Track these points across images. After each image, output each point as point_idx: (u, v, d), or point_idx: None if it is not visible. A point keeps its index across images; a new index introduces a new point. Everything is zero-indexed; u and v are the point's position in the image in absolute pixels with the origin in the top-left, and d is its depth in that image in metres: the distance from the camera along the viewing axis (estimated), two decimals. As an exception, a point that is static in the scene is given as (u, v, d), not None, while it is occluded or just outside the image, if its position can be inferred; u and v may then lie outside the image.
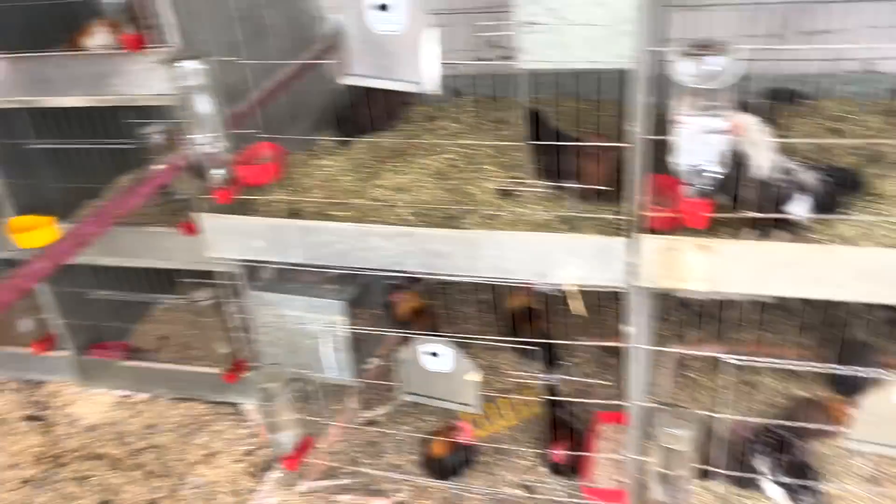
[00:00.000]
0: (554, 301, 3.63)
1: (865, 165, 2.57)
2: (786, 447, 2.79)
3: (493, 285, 3.26)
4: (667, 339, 3.59)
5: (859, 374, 2.32)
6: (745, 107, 2.14)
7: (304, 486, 3.16)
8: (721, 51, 1.82)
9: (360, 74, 2.18)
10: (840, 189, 2.26)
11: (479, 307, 3.47)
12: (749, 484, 2.80)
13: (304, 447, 3.13)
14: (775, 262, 2.05)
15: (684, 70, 1.85)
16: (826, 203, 2.19)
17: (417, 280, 4.05)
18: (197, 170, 2.51)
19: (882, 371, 2.25)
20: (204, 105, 2.37)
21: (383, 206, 2.53)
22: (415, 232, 2.34)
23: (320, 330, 2.58)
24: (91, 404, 3.87)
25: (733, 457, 2.90)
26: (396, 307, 3.45)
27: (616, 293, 2.29)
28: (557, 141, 2.42)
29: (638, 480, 2.67)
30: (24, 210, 3.28)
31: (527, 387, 3.34)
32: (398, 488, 3.08)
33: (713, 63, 1.81)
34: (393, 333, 3.04)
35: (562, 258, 2.26)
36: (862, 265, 1.97)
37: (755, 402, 3.26)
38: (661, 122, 2.01)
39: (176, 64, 2.32)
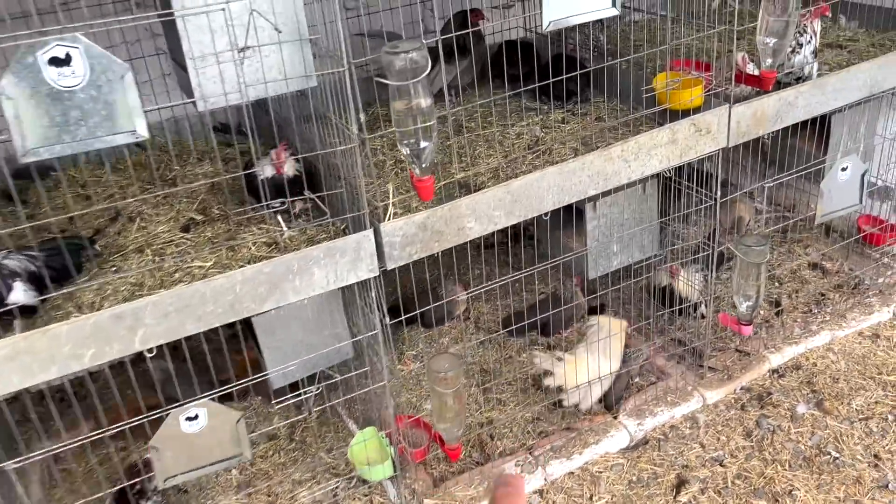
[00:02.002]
0: None
1: (111, 224, 2.75)
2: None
3: None
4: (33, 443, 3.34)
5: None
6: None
7: None
8: None
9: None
10: (65, 259, 2.33)
11: None
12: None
13: None
14: (15, 353, 2.02)
15: None
16: (53, 277, 2.24)
17: None
18: None
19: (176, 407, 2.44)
20: None
21: None
22: None
23: None
24: None
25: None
26: None
27: None
28: None
29: None
30: None
31: None
32: None
33: None
34: None
35: None
36: (91, 328, 2.08)
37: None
38: None
39: None
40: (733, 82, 2.86)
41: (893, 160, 3.94)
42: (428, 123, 2.20)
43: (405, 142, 2.22)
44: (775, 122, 3.00)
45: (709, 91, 2.89)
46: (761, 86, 2.84)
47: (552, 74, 3.19)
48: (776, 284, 4.12)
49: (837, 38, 3.77)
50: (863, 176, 3.43)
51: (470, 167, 2.83)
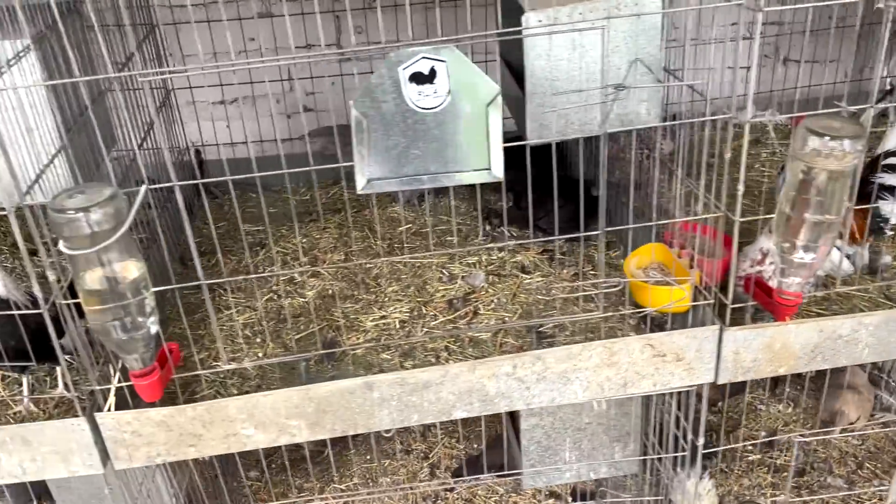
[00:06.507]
0: None
1: None
2: None
3: None
4: None
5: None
6: None
7: None
8: None
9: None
10: None
11: None
12: None
13: None
14: None
15: None
16: None
17: None
18: None
19: None
20: None
21: None
22: None
23: None
24: None
25: None
26: None
27: None
28: None
29: None
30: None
31: None
32: None
33: None
34: None
35: None
36: None
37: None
38: None
39: None
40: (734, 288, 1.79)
41: None
42: (138, 298, 1.47)
43: (108, 324, 1.51)
44: (814, 360, 1.87)
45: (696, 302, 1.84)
46: (773, 313, 1.74)
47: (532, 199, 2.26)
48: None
49: None
50: None
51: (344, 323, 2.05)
